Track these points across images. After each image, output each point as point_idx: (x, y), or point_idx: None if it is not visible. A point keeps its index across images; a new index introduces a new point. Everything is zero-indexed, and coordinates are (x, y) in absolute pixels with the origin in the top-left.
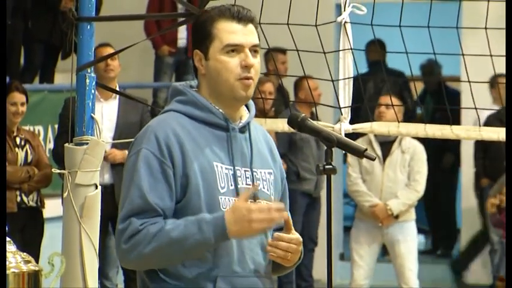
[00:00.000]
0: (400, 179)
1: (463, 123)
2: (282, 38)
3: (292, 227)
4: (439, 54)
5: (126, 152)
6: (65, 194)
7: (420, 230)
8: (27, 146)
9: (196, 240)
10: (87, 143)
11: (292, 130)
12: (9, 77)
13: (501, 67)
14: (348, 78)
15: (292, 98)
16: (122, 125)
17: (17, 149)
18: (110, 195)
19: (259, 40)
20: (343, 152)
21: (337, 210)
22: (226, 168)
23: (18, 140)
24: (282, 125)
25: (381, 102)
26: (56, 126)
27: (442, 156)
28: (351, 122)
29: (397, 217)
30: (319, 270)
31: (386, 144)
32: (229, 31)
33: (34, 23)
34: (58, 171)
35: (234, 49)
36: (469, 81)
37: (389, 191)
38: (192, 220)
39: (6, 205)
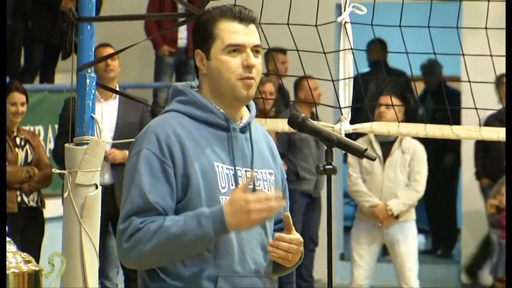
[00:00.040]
0: (400, 179)
1: (463, 123)
2: (282, 38)
3: (293, 228)
4: (439, 54)
5: (126, 152)
6: (65, 194)
7: (420, 230)
8: (27, 146)
9: (196, 235)
10: (87, 143)
11: (292, 130)
12: (9, 77)
13: (501, 67)
14: (348, 78)
15: (292, 98)
16: (122, 125)
17: (17, 149)
18: (110, 195)
19: (260, 40)
20: (343, 152)
21: (337, 210)
22: (227, 168)
23: (18, 140)
24: (282, 125)
25: (381, 102)
26: (56, 126)
27: (442, 156)
28: (353, 122)
29: (397, 217)
30: (319, 270)
31: (387, 144)
32: (231, 31)
33: (34, 23)
34: (58, 171)
35: (236, 49)
36: (469, 81)
37: (389, 191)
38: (191, 215)
39: (7, 205)
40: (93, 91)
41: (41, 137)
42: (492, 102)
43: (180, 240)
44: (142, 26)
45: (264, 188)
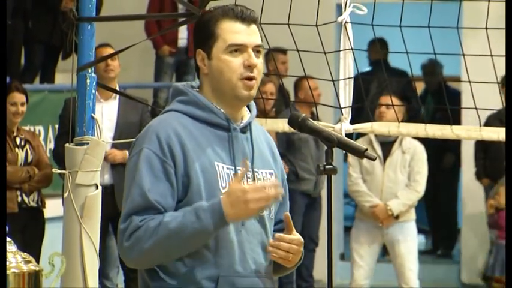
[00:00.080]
0: (400, 180)
1: (464, 123)
2: (282, 38)
3: (293, 228)
4: (439, 54)
5: (126, 152)
6: (66, 194)
7: (421, 230)
8: (27, 146)
9: (195, 229)
10: (87, 143)
11: (292, 130)
12: (9, 77)
13: (501, 67)
14: (349, 78)
15: (292, 98)
16: (122, 125)
17: (17, 149)
18: (109, 195)
19: (261, 40)
20: (343, 152)
21: (338, 210)
22: (227, 168)
23: (18, 140)
24: (282, 125)
25: (381, 102)
26: (56, 126)
27: (442, 156)
28: (354, 122)
29: (397, 217)
30: (319, 271)
31: (387, 144)
32: (232, 31)
33: (34, 23)
34: (58, 171)
35: (238, 49)
36: (469, 82)
37: (389, 191)
38: (189, 210)
39: (7, 205)
40: (93, 91)
41: (41, 137)
42: (492, 102)
43: (180, 235)
44: (142, 26)
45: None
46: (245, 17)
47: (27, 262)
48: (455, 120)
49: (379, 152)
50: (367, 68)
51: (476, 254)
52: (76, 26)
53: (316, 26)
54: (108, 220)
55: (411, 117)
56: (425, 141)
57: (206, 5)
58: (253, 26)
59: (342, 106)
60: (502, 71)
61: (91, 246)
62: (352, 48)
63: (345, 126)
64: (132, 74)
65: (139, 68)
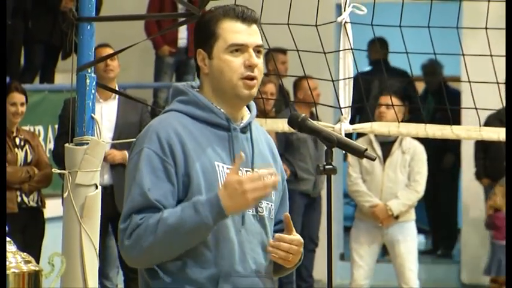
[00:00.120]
0: (400, 180)
1: (464, 123)
2: (282, 38)
3: (293, 228)
4: (439, 54)
5: (126, 152)
6: (65, 194)
7: (420, 230)
8: (27, 146)
9: (195, 223)
10: (87, 143)
11: (292, 130)
12: (9, 77)
13: (501, 67)
14: (348, 78)
15: (292, 98)
16: (122, 126)
17: (16, 149)
18: (109, 196)
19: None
20: (343, 152)
21: (338, 210)
22: (227, 168)
23: (17, 140)
24: (282, 125)
25: (381, 102)
26: (56, 126)
27: (442, 156)
28: (356, 122)
29: (397, 217)
30: (319, 271)
31: (387, 144)
32: (233, 31)
33: (34, 23)
34: (58, 171)
35: (238, 49)
36: (469, 82)
37: (389, 191)
38: (188, 204)
39: (7, 205)
40: (93, 91)
41: (41, 137)
42: (492, 102)
43: (179, 230)
44: (142, 26)
45: None
46: (246, 17)
47: (27, 262)
48: (455, 120)
49: (379, 152)
50: (367, 68)
51: (476, 254)
52: (76, 26)
53: (316, 26)
54: (108, 220)
55: (414, 117)
56: (425, 141)
57: (206, 5)
58: (254, 26)
59: (341, 106)
60: (502, 71)
61: (91, 246)
62: (352, 48)
63: (344, 126)
64: (132, 74)
65: (139, 68)
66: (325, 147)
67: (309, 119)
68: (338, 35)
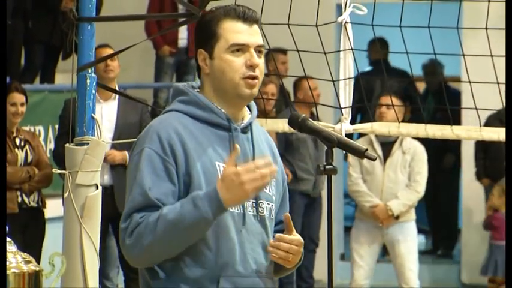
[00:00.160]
0: (400, 180)
1: (464, 123)
2: (282, 38)
3: (293, 228)
4: (439, 55)
5: (126, 153)
6: (66, 194)
7: (421, 230)
8: (27, 146)
9: (195, 218)
10: (87, 143)
11: (292, 130)
12: (9, 77)
13: (501, 67)
14: (349, 78)
15: (292, 98)
16: (121, 126)
17: (16, 149)
18: (109, 196)
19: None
20: (344, 152)
21: (338, 210)
22: None
23: (17, 140)
24: (282, 125)
25: (382, 103)
26: (56, 126)
27: (442, 156)
28: (356, 122)
29: (397, 217)
30: (319, 271)
31: (387, 144)
32: (235, 31)
33: (34, 24)
34: (59, 171)
35: (240, 49)
36: (469, 82)
37: (389, 191)
38: (186, 200)
39: (7, 206)
40: (93, 91)
41: (41, 137)
42: (492, 102)
43: (179, 226)
44: (142, 26)
45: (265, 189)
46: (247, 17)
47: (27, 262)
48: (456, 120)
49: (380, 152)
50: (367, 68)
51: (477, 254)
52: (76, 26)
53: (316, 26)
54: (108, 221)
55: (414, 117)
56: (426, 142)
57: (206, 5)
58: (255, 26)
59: (342, 106)
60: (502, 71)
61: (91, 246)
62: (352, 49)
63: (345, 127)
64: (132, 74)
65: (139, 68)
66: (325, 148)
67: (309, 119)
68: (338, 35)
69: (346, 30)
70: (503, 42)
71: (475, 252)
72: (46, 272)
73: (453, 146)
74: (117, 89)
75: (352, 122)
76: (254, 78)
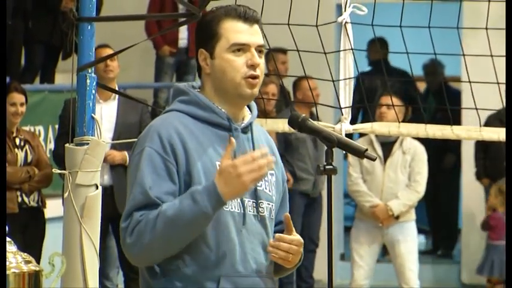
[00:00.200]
0: (400, 180)
1: (464, 123)
2: (282, 38)
3: (293, 228)
4: (439, 55)
5: (125, 153)
6: (66, 194)
7: (421, 230)
8: (27, 146)
9: (194, 213)
10: (87, 143)
11: (292, 130)
12: (9, 77)
13: (502, 67)
14: (349, 78)
15: (292, 98)
16: (121, 126)
17: (16, 149)
18: (109, 196)
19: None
20: (344, 152)
21: (338, 210)
22: None
23: (17, 140)
24: (282, 125)
25: (382, 103)
26: (56, 126)
27: (443, 156)
28: (357, 121)
29: (397, 217)
30: (319, 271)
31: (388, 144)
32: (235, 30)
33: (34, 24)
34: (59, 171)
35: (240, 48)
36: (469, 82)
37: (390, 191)
38: (186, 195)
39: (7, 206)
40: (93, 91)
41: (41, 137)
42: (492, 102)
43: (178, 222)
44: (142, 26)
45: (266, 189)
46: (248, 17)
47: (27, 262)
48: (456, 120)
49: (380, 152)
50: (367, 68)
51: (477, 254)
52: (76, 26)
53: (316, 26)
54: (108, 221)
55: (414, 117)
56: (426, 142)
57: (206, 5)
58: (256, 26)
59: (342, 106)
60: (502, 71)
61: (91, 246)
62: (352, 49)
63: (345, 127)
64: (132, 74)
65: (139, 68)
66: (325, 148)
67: (309, 119)
68: (338, 35)
69: (346, 30)
70: (503, 42)
71: (475, 252)
72: (46, 272)
73: (453, 146)
74: (117, 89)
75: (354, 121)
76: (255, 77)
